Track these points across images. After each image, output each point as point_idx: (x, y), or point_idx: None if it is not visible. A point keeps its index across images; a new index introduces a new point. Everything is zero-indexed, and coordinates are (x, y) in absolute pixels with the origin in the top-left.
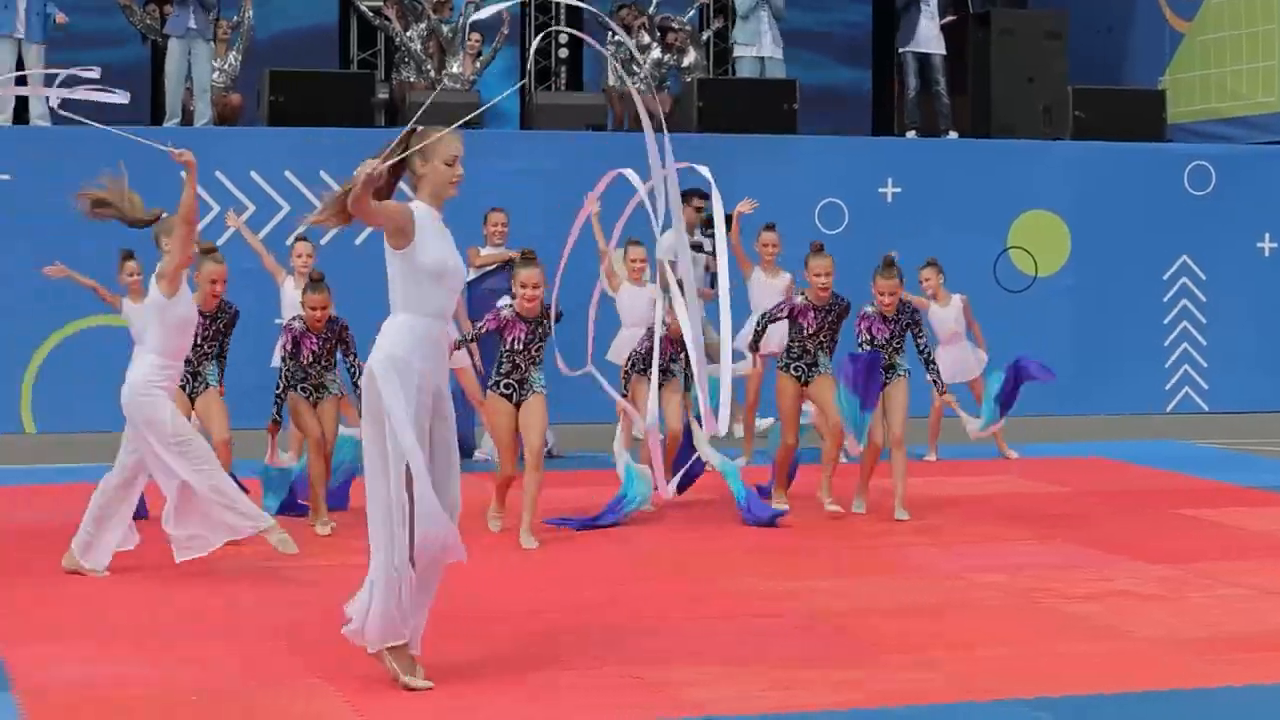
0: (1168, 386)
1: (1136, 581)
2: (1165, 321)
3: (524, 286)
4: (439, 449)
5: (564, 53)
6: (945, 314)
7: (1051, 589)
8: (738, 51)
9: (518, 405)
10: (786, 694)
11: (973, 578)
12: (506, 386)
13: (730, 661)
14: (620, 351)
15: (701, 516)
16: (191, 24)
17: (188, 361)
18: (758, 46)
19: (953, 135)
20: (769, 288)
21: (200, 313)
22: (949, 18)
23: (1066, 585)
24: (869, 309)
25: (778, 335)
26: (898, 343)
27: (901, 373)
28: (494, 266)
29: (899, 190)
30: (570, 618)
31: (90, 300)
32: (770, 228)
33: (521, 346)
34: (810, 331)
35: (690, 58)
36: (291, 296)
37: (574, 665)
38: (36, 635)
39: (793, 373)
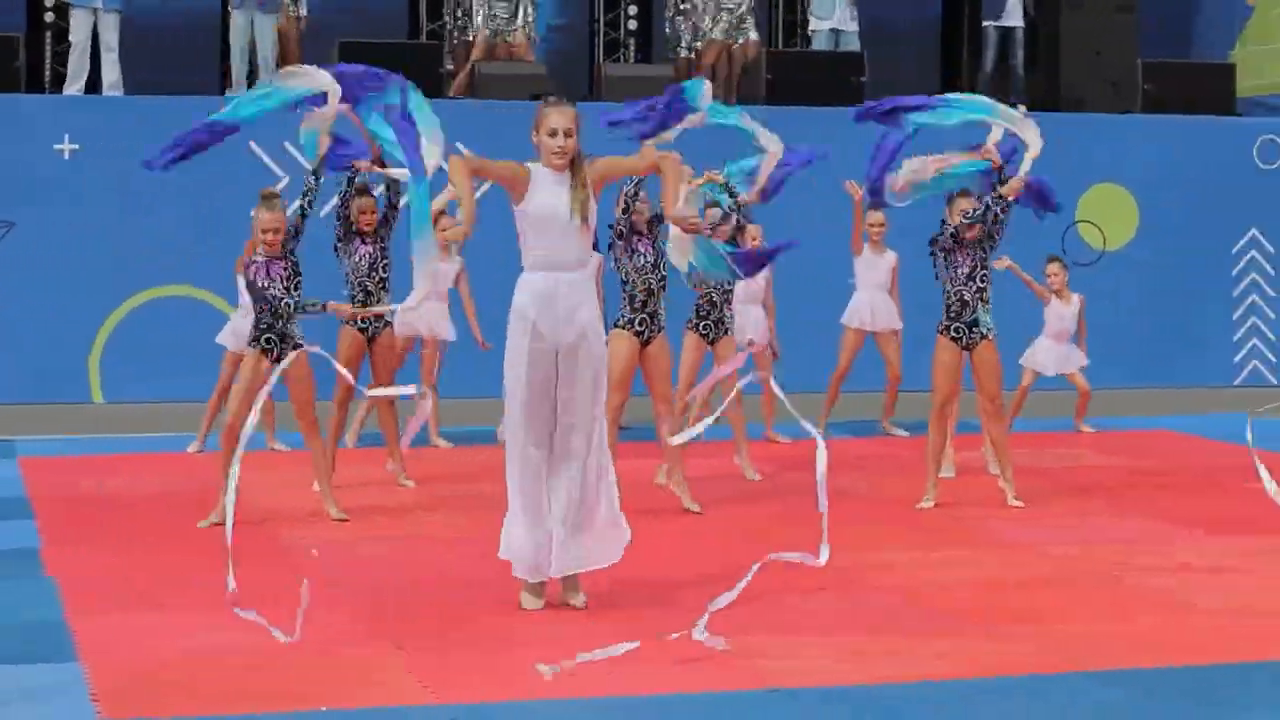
0: (1237, 359)
1: (1207, 555)
2: (1234, 295)
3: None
4: (564, 408)
5: (633, 24)
6: (1064, 311)
7: (1125, 562)
8: (812, 25)
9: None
10: (858, 666)
11: (1047, 550)
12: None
13: (804, 632)
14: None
15: (783, 487)
16: None
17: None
18: (832, 19)
19: (1022, 109)
20: (876, 266)
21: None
22: None
23: (1139, 559)
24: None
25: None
26: (982, 282)
27: (986, 331)
28: None
29: None
30: (640, 588)
31: (161, 270)
32: (876, 207)
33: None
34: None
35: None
36: None
37: (644, 634)
38: (105, 605)
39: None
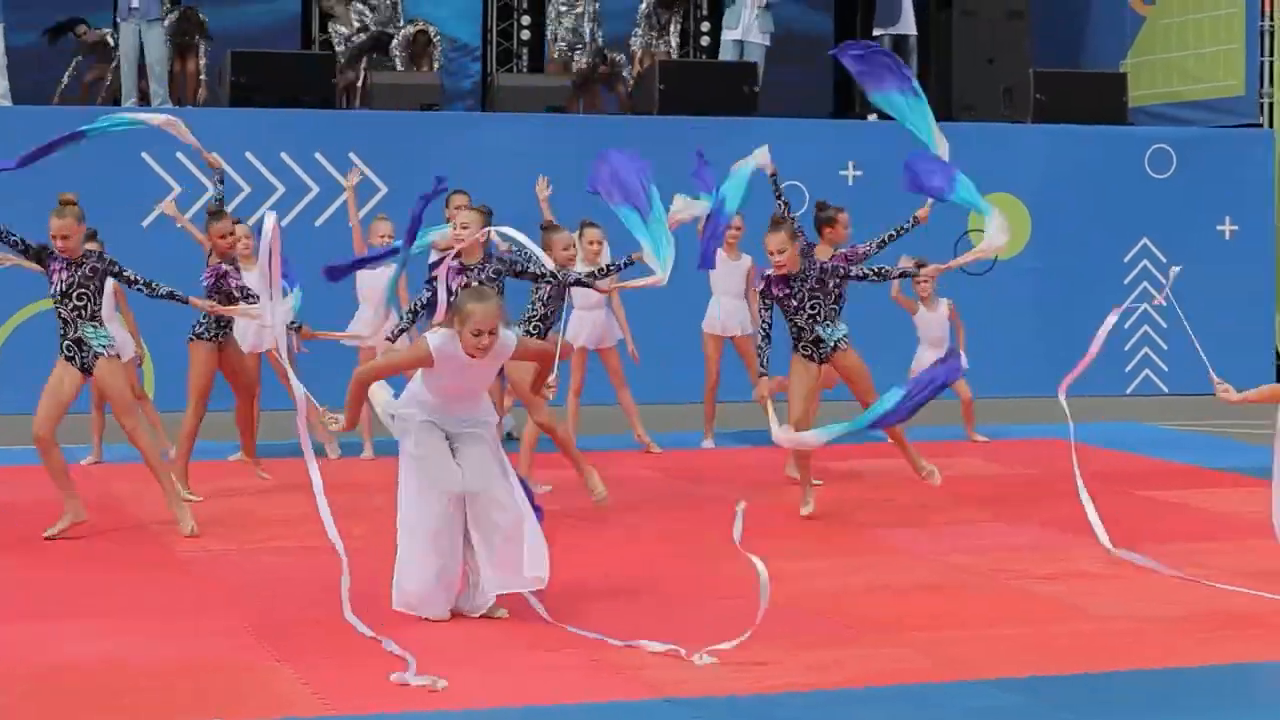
0: (1128, 368)
1: (1100, 563)
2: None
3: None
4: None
5: (525, 35)
6: (933, 318)
7: (1018, 570)
8: (725, 35)
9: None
10: (754, 675)
11: (938, 558)
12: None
13: (700, 644)
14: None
15: (690, 497)
16: (134, 3)
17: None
18: (736, 30)
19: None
20: (732, 272)
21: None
22: None
23: (1032, 566)
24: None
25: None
26: (813, 309)
27: (835, 342)
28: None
29: (860, 173)
30: (538, 596)
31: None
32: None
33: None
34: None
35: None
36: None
37: (536, 646)
38: (12, 615)
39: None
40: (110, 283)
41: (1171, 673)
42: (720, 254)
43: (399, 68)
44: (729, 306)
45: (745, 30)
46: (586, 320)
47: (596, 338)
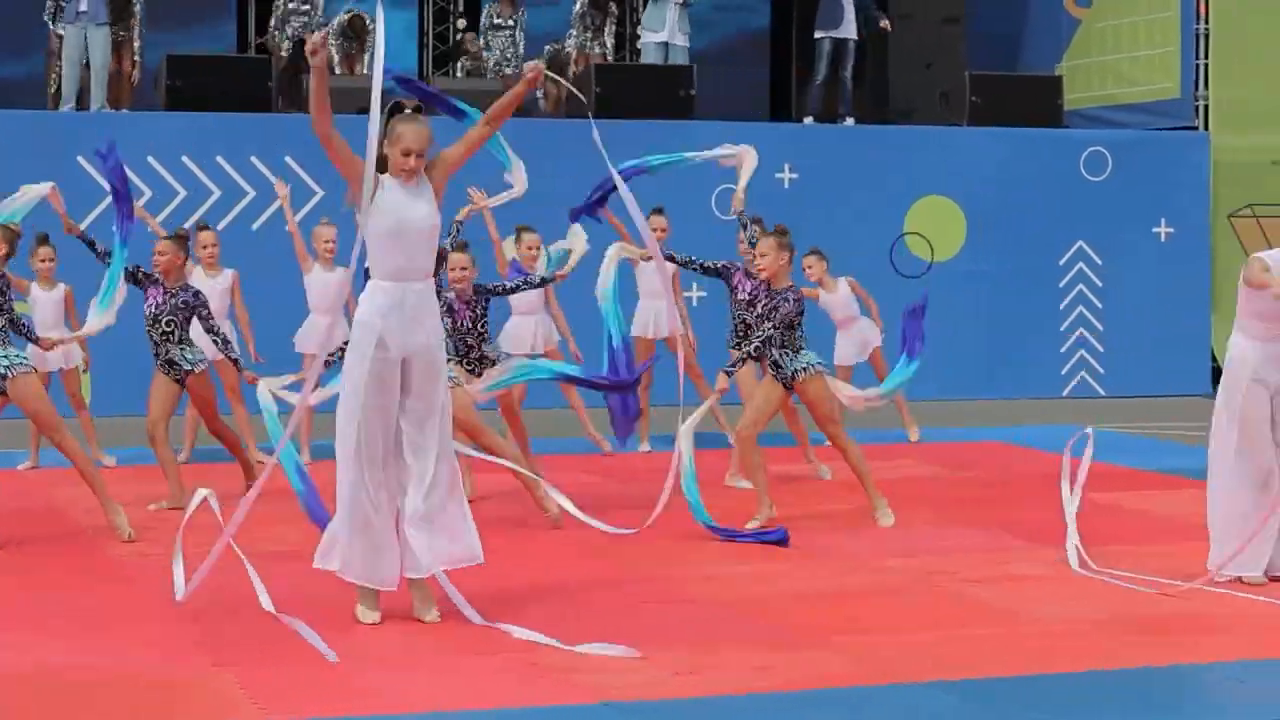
0: (1064, 371)
1: (1035, 565)
2: (1061, 306)
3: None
4: (410, 419)
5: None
6: (835, 299)
7: (952, 572)
8: (644, 37)
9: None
10: (690, 679)
11: (875, 562)
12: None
13: (637, 647)
14: (511, 338)
15: (626, 501)
16: (83, 7)
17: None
18: (663, 32)
19: (850, 121)
20: (657, 272)
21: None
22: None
23: (966, 569)
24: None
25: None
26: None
27: (795, 374)
28: None
29: (795, 176)
30: (472, 599)
31: None
32: (658, 212)
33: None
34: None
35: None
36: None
37: (472, 651)
38: None
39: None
40: (62, 290)
41: (1104, 675)
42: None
43: (336, 70)
44: (656, 308)
45: (671, 33)
46: (527, 325)
47: (541, 341)
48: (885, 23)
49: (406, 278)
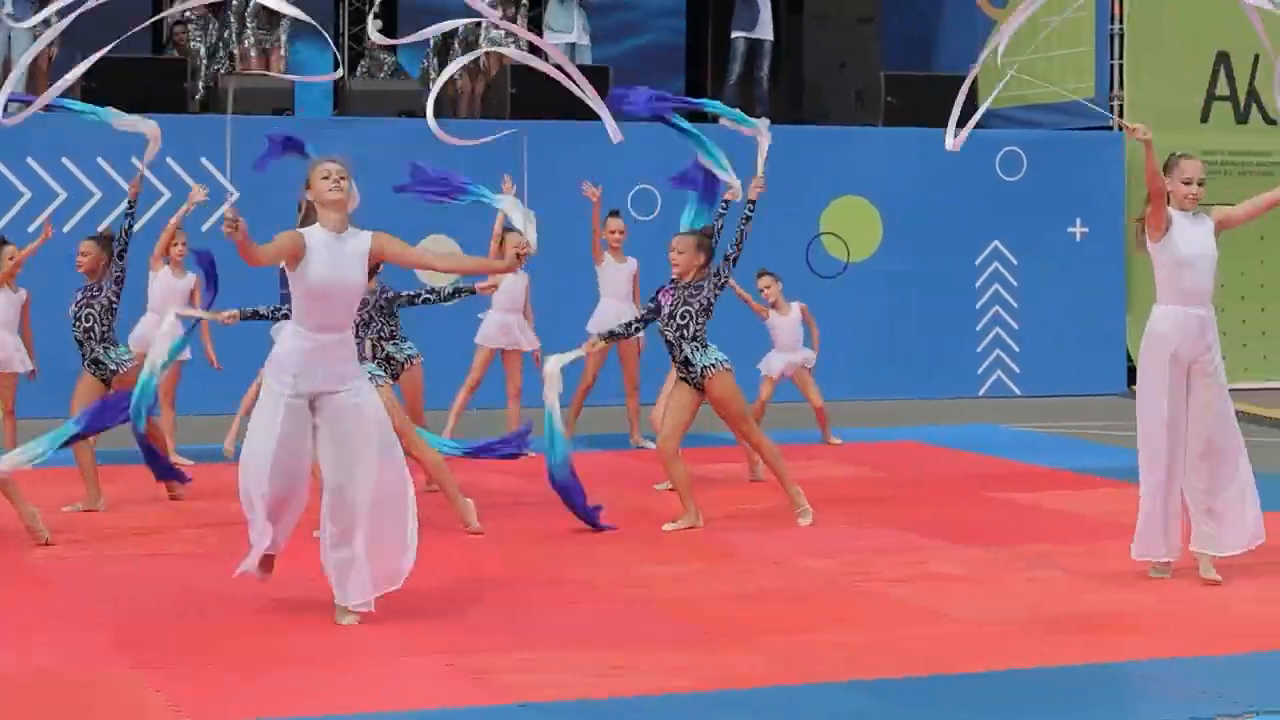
0: (980, 370)
1: (952, 565)
2: (978, 306)
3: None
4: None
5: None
6: (785, 322)
7: (869, 573)
8: (549, 38)
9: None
10: (607, 680)
11: (792, 562)
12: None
13: (552, 647)
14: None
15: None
16: (8, 7)
17: None
18: (572, 33)
19: (765, 121)
20: (618, 274)
21: None
22: None
23: (884, 569)
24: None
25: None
26: (683, 320)
27: (705, 370)
28: None
29: None
30: (391, 601)
31: None
32: (615, 214)
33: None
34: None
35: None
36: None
37: (392, 652)
38: None
39: None
40: (23, 295)
41: (1022, 673)
42: (606, 256)
43: (252, 58)
44: (616, 309)
45: (579, 34)
46: (506, 323)
47: (513, 340)
48: None
49: (327, 330)
